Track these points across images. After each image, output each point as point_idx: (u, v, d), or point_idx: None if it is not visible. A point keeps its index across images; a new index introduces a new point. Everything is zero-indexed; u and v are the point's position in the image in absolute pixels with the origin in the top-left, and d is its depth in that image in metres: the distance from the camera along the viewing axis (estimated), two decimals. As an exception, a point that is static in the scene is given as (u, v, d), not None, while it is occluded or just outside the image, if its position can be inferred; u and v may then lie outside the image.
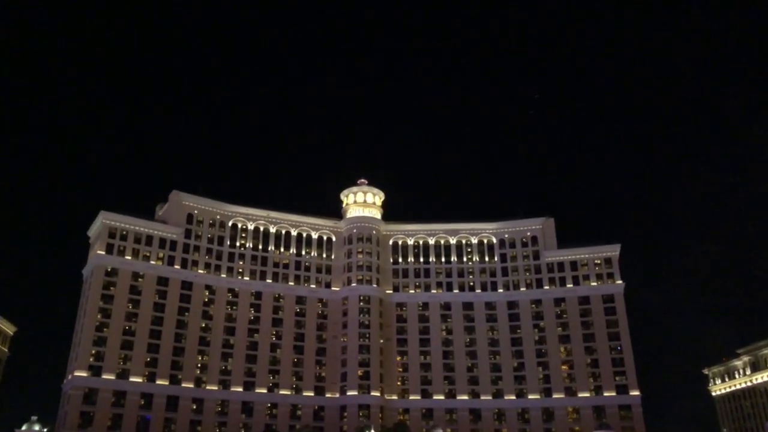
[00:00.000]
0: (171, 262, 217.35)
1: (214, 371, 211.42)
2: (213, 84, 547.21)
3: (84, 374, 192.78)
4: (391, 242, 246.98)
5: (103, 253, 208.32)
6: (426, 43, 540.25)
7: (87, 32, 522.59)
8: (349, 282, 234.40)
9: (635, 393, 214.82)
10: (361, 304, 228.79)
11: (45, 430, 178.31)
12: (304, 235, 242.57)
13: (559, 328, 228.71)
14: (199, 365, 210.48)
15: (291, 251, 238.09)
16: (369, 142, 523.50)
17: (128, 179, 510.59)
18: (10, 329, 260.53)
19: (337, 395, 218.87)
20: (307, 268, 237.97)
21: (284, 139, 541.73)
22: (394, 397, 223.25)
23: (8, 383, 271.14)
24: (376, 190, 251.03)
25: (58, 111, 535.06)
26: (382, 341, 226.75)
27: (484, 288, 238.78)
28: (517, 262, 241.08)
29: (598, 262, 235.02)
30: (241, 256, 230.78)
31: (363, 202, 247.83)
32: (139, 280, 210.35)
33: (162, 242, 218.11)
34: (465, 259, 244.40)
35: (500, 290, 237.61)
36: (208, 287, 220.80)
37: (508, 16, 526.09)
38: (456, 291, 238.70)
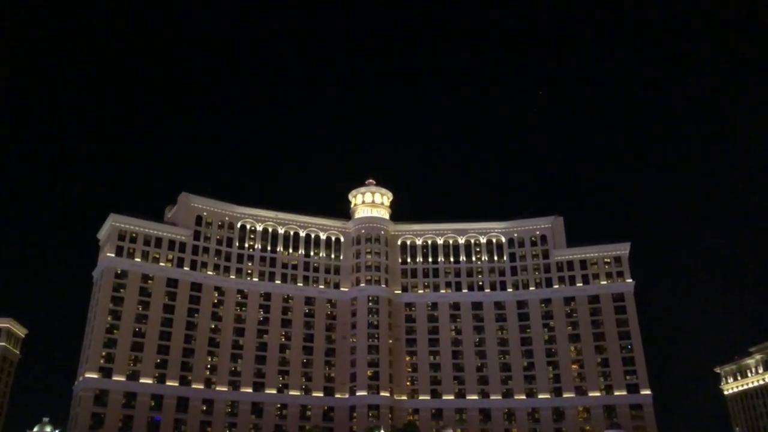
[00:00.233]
0: (180, 263, 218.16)
1: (223, 372, 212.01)
2: (221, 86, 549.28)
3: (95, 376, 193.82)
4: (399, 242, 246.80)
5: (113, 255, 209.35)
6: (434, 42, 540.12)
7: (96, 34, 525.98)
8: (358, 282, 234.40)
9: (646, 392, 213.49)
10: (370, 304, 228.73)
11: (57, 431, 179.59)
12: (313, 235, 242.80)
13: (569, 328, 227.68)
14: (208, 366, 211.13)
15: (299, 252, 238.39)
16: (377, 142, 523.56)
17: (137, 182, 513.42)
18: (21, 332, 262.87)
19: (347, 396, 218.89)
20: (316, 269, 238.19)
21: (292, 140, 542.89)
22: (404, 398, 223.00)
23: (20, 385, 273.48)
24: (384, 191, 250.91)
25: (66, 114, 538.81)
26: (391, 341, 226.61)
27: (493, 287, 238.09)
28: (527, 262, 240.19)
29: (608, 260, 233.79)
30: (250, 258, 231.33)
31: (371, 203, 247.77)
32: (149, 282, 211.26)
33: (171, 244, 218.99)
34: (474, 258, 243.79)
35: (509, 290, 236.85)
36: (217, 288, 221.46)
37: (516, 13, 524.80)
38: (465, 291, 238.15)
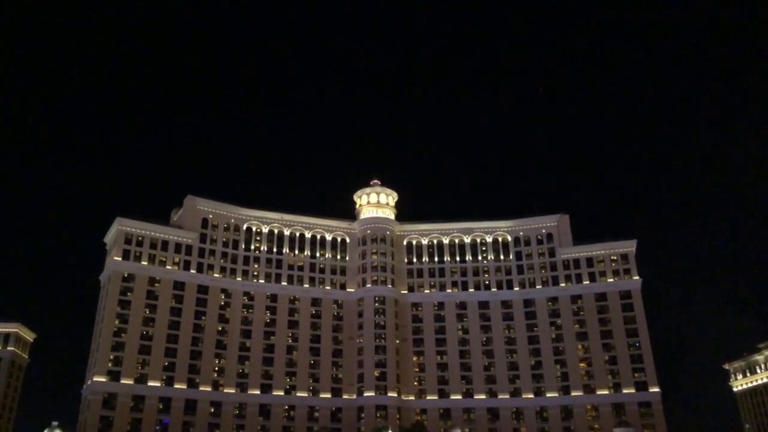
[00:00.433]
0: (187, 266, 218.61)
1: (231, 374, 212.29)
2: (226, 88, 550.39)
3: (103, 379, 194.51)
4: (405, 242, 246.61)
5: (120, 259, 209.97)
6: (438, 42, 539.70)
7: (102, 38, 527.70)
8: (364, 283, 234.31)
9: (655, 390, 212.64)
10: (377, 304, 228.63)
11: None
12: (318, 237, 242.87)
13: (577, 326, 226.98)
14: (216, 368, 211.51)
15: (305, 253, 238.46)
16: (381, 142, 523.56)
17: (143, 185, 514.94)
18: (29, 336, 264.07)
19: (354, 396, 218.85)
20: (322, 270, 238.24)
21: (297, 142, 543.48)
22: (411, 398, 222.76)
23: (29, 390, 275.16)
24: (389, 191, 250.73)
25: (72, 118, 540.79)
26: (398, 342, 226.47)
27: (499, 286, 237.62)
28: (533, 260, 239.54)
29: (615, 258, 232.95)
30: (256, 259, 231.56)
31: (376, 203, 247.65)
32: (156, 285, 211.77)
33: (178, 247, 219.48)
34: (480, 257, 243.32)
35: (516, 288, 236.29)
36: (223, 291, 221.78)
37: (517, 13, 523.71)
38: (471, 290, 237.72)
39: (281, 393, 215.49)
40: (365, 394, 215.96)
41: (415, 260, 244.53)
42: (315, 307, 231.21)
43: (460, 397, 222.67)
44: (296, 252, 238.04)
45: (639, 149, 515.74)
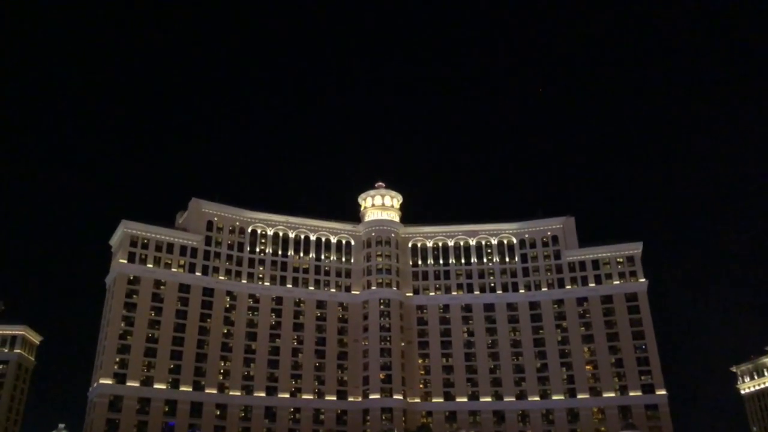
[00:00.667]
0: (192, 269, 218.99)
1: (236, 377, 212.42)
2: (230, 91, 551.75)
3: (109, 382, 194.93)
4: (410, 245, 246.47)
5: (125, 261, 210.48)
6: (441, 43, 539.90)
7: (108, 40, 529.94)
8: (369, 285, 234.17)
9: (661, 392, 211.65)
10: (382, 307, 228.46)
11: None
12: (323, 239, 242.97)
13: (582, 328, 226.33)
14: (221, 371, 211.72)
15: (310, 256, 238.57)
16: (386, 145, 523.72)
17: (148, 188, 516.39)
18: (36, 339, 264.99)
19: (360, 399, 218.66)
20: (327, 273, 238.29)
21: (301, 145, 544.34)
22: (417, 400, 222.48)
23: (35, 392, 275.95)
24: (393, 193, 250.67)
25: (77, 121, 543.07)
26: (403, 344, 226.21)
27: (505, 289, 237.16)
28: (538, 263, 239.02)
29: (621, 260, 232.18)
30: (261, 262, 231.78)
31: (381, 205, 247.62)
32: (161, 287, 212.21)
33: (183, 250, 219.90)
34: (485, 260, 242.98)
35: (521, 291, 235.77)
36: (229, 293, 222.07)
37: (527, 11, 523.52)
38: (477, 292, 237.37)
39: (287, 395, 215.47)
40: (371, 397, 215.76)
41: (420, 263, 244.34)
42: (320, 309, 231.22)
43: (465, 399, 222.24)
44: (301, 254, 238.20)
45: (645, 151, 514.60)
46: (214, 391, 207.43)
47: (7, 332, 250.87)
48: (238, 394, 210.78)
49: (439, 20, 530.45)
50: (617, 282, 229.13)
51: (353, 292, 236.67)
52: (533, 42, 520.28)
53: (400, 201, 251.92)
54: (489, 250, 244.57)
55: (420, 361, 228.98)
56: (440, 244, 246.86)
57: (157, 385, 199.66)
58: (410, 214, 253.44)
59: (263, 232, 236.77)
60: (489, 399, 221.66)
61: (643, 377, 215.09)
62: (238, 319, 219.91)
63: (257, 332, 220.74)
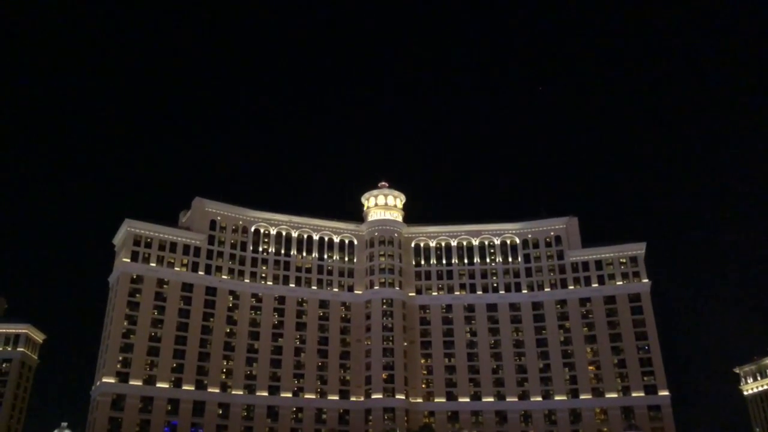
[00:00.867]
0: (195, 268, 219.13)
1: (239, 376, 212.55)
2: (233, 90, 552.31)
3: (112, 380, 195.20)
4: (413, 244, 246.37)
5: (129, 260, 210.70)
6: (443, 43, 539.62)
7: (111, 42, 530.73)
8: (372, 285, 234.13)
9: (664, 393, 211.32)
10: (384, 307, 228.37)
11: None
12: (326, 239, 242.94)
13: (585, 329, 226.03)
14: (224, 370, 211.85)
15: (313, 255, 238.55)
16: (389, 144, 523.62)
17: (151, 187, 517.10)
18: (39, 337, 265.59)
19: (362, 399, 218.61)
20: (330, 272, 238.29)
21: (304, 144, 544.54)
22: (419, 400, 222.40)
23: (38, 390, 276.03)
24: (397, 193, 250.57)
25: (81, 121, 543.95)
26: (405, 344, 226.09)
27: (507, 289, 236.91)
28: (541, 263, 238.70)
29: (624, 260, 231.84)
30: (264, 261, 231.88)
31: (384, 205, 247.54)
32: (164, 286, 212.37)
33: (186, 249, 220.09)
34: (488, 260, 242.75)
35: (524, 291, 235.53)
36: (232, 292, 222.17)
37: (530, 11, 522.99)
38: (479, 292, 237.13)
39: (289, 395, 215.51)
40: (373, 397, 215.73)
41: (422, 262, 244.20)
42: (323, 309, 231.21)
43: (468, 399, 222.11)
44: (304, 254, 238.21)
45: (648, 151, 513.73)
46: (217, 390, 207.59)
47: (11, 331, 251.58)
48: (241, 393, 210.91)
49: (439, 20, 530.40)
50: (620, 282, 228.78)
51: (356, 291, 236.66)
52: (535, 41, 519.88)
53: (403, 201, 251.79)
54: (492, 250, 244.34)
55: (422, 361, 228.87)
56: (443, 244, 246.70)
57: (159, 384, 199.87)
58: (413, 214, 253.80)
59: (266, 232, 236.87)
60: (491, 399, 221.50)
61: (645, 378, 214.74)
62: (241, 319, 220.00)
63: (260, 331, 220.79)
